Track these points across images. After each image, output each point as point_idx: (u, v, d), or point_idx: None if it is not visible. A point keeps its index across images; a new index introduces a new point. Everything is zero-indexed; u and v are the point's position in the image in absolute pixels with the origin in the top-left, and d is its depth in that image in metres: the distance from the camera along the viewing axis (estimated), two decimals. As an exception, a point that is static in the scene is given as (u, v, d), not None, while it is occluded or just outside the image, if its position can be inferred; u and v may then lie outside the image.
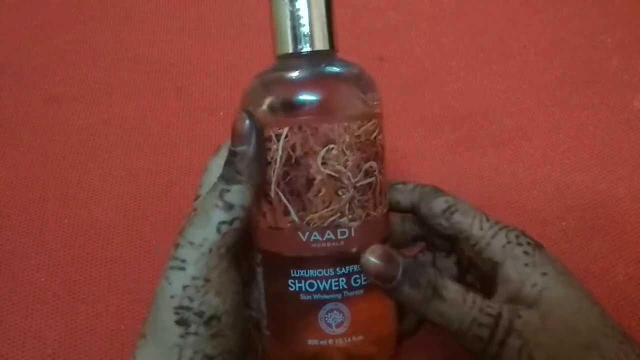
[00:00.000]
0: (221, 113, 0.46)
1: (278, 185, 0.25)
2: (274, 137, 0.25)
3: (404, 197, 0.30)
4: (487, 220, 0.28)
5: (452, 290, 0.24)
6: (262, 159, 0.25)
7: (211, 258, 0.24)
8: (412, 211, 0.30)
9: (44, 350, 0.34)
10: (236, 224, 0.24)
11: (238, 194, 0.24)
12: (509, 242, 0.27)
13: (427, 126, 0.45)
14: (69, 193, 0.41)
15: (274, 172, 0.25)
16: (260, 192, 0.26)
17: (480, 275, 0.29)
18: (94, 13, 0.53)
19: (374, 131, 0.26)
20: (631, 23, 0.49)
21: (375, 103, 0.26)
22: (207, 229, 0.24)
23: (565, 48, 0.48)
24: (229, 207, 0.24)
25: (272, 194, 0.25)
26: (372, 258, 0.24)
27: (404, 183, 0.31)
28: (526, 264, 0.26)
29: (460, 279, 0.31)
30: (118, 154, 0.43)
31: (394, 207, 0.30)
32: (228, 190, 0.24)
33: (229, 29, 0.52)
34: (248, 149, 0.24)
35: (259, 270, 0.27)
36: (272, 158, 0.25)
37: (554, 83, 0.46)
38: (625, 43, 0.48)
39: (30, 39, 0.51)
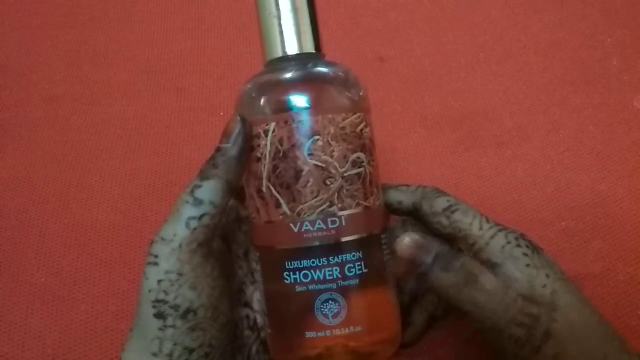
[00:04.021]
0: (221, 113, 0.46)
1: (269, 179, 0.26)
2: (262, 133, 0.26)
3: (406, 197, 0.30)
4: (487, 221, 0.28)
5: (491, 279, 0.24)
6: (243, 160, 0.26)
7: (182, 253, 0.24)
8: (414, 211, 0.30)
9: (44, 350, 0.34)
10: (205, 220, 0.25)
11: (208, 190, 0.25)
12: (508, 243, 0.27)
13: (427, 126, 0.45)
14: (69, 193, 0.41)
15: (264, 167, 0.26)
16: (254, 189, 0.27)
17: None
18: (94, 13, 0.53)
19: (360, 124, 0.27)
20: (631, 23, 0.49)
21: (359, 98, 0.27)
22: (177, 225, 0.25)
23: (565, 48, 0.48)
24: (198, 202, 0.25)
25: (264, 189, 0.26)
26: (404, 242, 0.25)
27: (407, 185, 0.31)
28: (527, 265, 0.26)
29: None
30: (118, 154, 0.43)
31: (396, 208, 0.30)
32: (199, 186, 0.25)
33: (229, 28, 0.52)
34: (231, 146, 0.26)
35: (258, 268, 0.27)
36: (261, 154, 0.26)
37: (554, 83, 0.46)
38: (625, 43, 0.48)
39: (30, 39, 0.51)
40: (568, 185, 0.40)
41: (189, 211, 0.25)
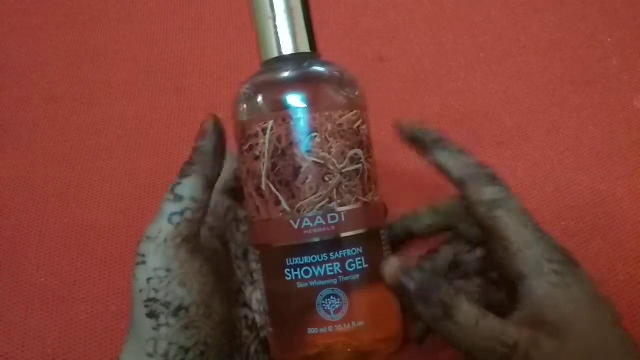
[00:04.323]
0: (221, 113, 0.46)
1: (268, 177, 0.26)
2: (260, 132, 0.26)
3: (458, 165, 0.28)
4: (527, 226, 0.26)
5: (465, 313, 0.24)
6: (218, 155, 0.27)
7: (167, 248, 0.25)
8: (458, 185, 0.28)
9: (44, 350, 0.34)
10: (187, 215, 0.26)
11: (188, 186, 0.26)
12: (541, 256, 0.25)
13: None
14: (69, 193, 0.41)
15: (263, 165, 0.26)
16: (253, 188, 0.27)
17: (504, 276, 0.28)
18: (94, 13, 0.53)
19: (357, 121, 0.27)
20: (631, 23, 0.49)
21: (356, 96, 0.28)
22: (161, 222, 0.25)
23: (565, 48, 0.48)
24: (179, 198, 0.26)
25: (264, 187, 0.26)
26: (387, 270, 0.25)
27: (464, 153, 0.29)
28: (555, 285, 0.24)
29: (483, 274, 0.30)
30: (118, 154, 0.43)
31: (441, 171, 0.29)
32: (179, 184, 0.26)
33: (229, 28, 0.52)
34: (206, 143, 0.27)
35: (258, 267, 0.28)
36: (260, 152, 0.26)
37: (554, 83, 0.46)
38: (625, 43, 0.48)
39: (30, 39, 0.51)
40: (568, 185, 0.40)
41: (171, 207, 0.26)
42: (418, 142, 0.29)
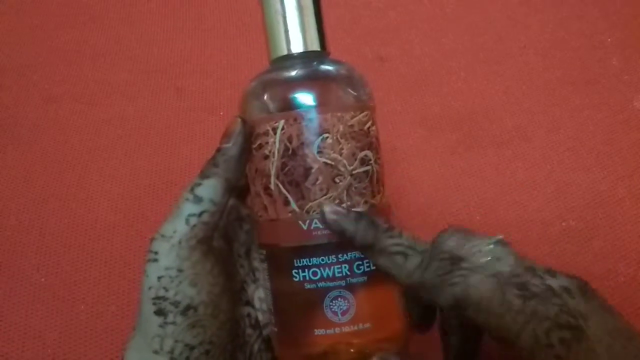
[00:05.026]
0: (221, 113, 0.46)
1: (277, 177, 0.26)
2: (270, 131, 0.26)
3: (402, 275, 0.24)
4: (509, 310, 0.21)
5: None
6: (243, 159, 0.26)
7: (181, 249, 0.25)
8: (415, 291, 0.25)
9: (44, 350, 0.34)
10: (205, 217, 0.25)
11: (208, 188, 0.26)
12: (536, 343, 0.21)
13: (427, 126, 0.45)
14: (68, 193, 0.41)
15: (272, 164, 0.26)
16: (261, 187, 0.27)
17: None
18: (94, 13, 0.53)
19: (367, 122, 0.27)
20: (631, 23, 0.49)
21: (366, 97, 0.28)
22: (177, 222, 0.25)
23: (565, 48, 0.48)
24: (198, 200, 0.25)
25: (272, 186, 0.26)
26: None
27: (405, 252, 0.24)
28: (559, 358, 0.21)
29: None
30: (118, 154, 0.43)
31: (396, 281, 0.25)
32: (200, 184, 0.26)
33: (229, 28, 0.52)
34: (231, 146, 0.26)
35: (264, 266, 0.28)
36: (270, 152, 0.26)
37: (554, 83, 0.46)
38: (625, 43, 0.48)
39: (30, 39, 0.51)
40: (568, 185, 0.40)
41: (189, 208, 0.25)
42: (348, 239, 0.24)
